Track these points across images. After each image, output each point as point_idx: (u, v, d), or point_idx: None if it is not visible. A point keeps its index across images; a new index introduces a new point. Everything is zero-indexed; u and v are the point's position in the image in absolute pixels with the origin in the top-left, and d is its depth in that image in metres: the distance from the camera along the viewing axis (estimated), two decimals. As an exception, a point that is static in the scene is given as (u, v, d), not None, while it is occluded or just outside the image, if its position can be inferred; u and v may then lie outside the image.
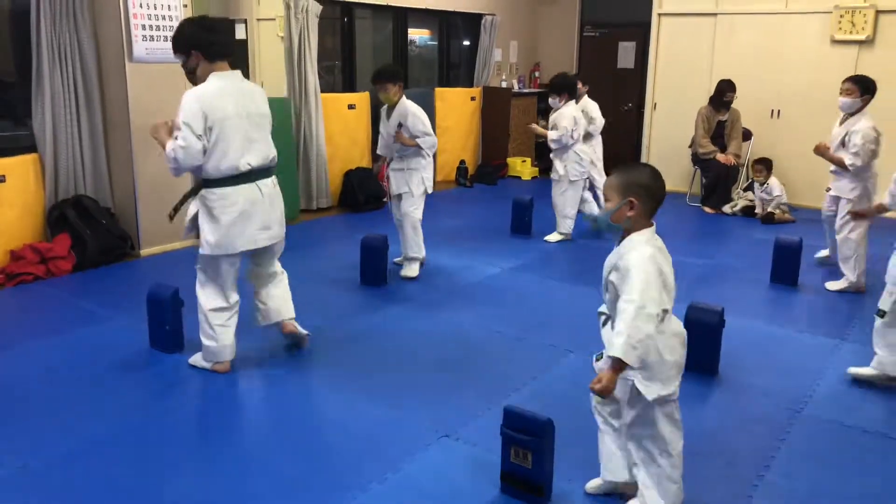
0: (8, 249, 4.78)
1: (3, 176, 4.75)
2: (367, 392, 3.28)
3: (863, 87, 4.65)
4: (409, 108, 4.69)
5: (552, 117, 5.78)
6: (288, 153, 6.01)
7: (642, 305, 2.06)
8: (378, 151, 5.05)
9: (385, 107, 4.82)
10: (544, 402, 3.02)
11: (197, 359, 3.49)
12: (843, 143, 4.67)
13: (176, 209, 3.38)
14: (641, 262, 2.11)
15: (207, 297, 3.37)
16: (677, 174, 7.88)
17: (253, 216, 3.28)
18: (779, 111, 7.57)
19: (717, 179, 7.20)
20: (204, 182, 3.23)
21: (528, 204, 6.09)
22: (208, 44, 3.20)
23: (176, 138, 3.10)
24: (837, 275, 4.84)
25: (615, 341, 2.08)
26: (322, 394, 3.28)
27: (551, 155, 5.85)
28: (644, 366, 2.16)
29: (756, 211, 6.92)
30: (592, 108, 6.44)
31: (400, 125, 4.70)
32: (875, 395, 3.37)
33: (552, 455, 2.48)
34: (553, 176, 5.86)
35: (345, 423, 3.01)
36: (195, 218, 3.29)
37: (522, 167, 8.80)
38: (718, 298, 4.43)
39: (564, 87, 5.70)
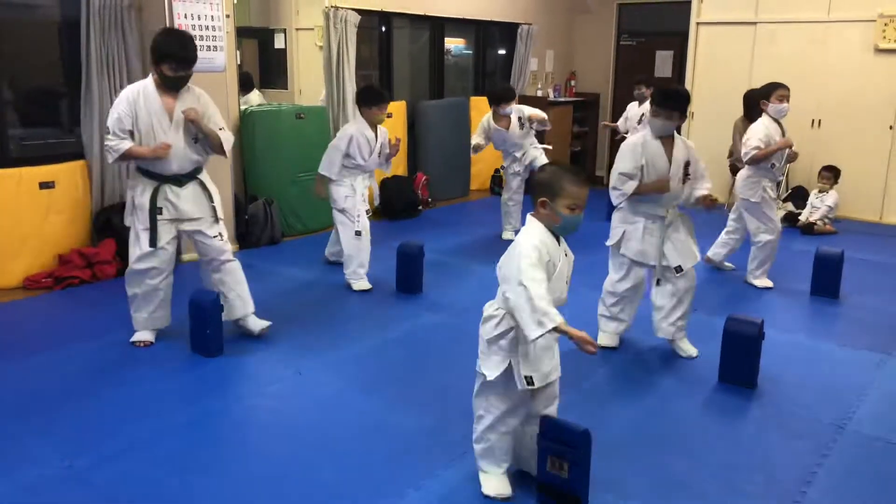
0: (56, 253, 4.93)
1: (53, 182, 4.90)
2: (403, 399, 3.31)
3: None
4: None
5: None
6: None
7: None
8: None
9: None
10: (582, 411, 3.00)
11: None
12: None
13: None
14: None
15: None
16: (715, 184, 7.69)
17: None
18: (819, 121, 7.44)
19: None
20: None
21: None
22: None
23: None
24: None
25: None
26: (359, 400, 3.31)
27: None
28: None
29: (801, 217, 6.83)
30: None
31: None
32: (921, 411, 3.29)
33: (588, 466, 2.47)
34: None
35: (381, 430, 3.04)
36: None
37: (557, 176, 8.76)
38: (757, 310, 4.40)
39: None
